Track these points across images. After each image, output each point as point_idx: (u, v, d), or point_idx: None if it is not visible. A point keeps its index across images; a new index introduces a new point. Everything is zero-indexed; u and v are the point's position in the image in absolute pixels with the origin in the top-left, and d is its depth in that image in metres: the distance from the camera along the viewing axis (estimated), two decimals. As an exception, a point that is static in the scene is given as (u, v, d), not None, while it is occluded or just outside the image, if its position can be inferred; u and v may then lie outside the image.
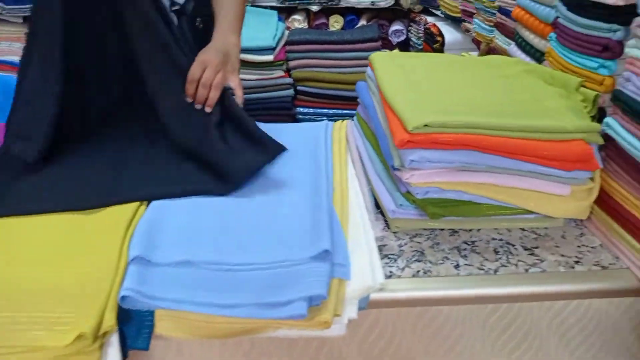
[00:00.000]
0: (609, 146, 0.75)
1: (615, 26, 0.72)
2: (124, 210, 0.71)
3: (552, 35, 0.88)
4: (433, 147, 0.68)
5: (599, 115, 0.76)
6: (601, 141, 0.71)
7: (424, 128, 0.67)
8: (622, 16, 0.70)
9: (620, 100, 0.70)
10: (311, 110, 2.26)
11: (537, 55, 0.95)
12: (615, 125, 0.72)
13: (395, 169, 0.74)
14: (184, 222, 0.70)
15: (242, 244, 0.66)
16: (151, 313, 0.61)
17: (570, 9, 0.81)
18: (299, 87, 2.19)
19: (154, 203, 0.73)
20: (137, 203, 0.73)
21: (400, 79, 0.82)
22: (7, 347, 0.55)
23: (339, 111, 2.20)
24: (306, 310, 0.59)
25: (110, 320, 0.57)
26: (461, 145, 0.68)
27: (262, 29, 2.05)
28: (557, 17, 0.86)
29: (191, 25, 1.06)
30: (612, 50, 0.73)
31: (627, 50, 0.69)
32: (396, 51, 2.62)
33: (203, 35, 1.09)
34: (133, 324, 0.61)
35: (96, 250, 0.65)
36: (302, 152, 0.90)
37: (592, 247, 0.77)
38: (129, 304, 0.60)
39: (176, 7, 1.06)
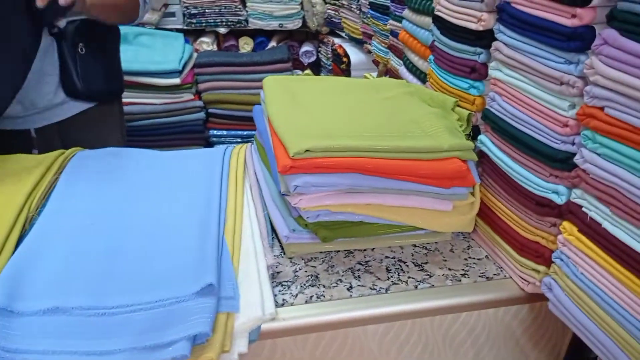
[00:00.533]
0: (485, 162, 0.79)
1: (479, 49, 0.77)
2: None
3: (431, 57, 0.92)
4: (316, 171, 0.68)
5: (475, 133, 0.81)
6: (475, 158, 0.75)
7: (305, 153, 0.67)
8: (484, 40, 0.75)
9: (489, 119, 0.75)
10: (225, 132, 2.24)
11: (422, 77, 1.00)
12: (487, 142, 0.76)
13: (284, 194, 0.74)
14: (56, 266, 0.64)
15: (121, 285, 0.62)
16: (17, 368, 0.56)
17: (442, 33, 0.86)
18: (210, 110, 2.16)
19: (22, 248, 0.67)
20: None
21: (286, 104, 0.83)
22: None
23: (254, 132, 2.19)
24: (189, 351, 0.56)
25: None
26: (343, 168, 0.69)
27: (167, 52, 2.01)
28: (434, 40, 0.91)
29: (72, 49, 1.01)
30: (478, 72, 0.78)
31: (490, 71, 0.74)
32: (298, 74, 2.67)
33: (86, 59, 1.04)
34: (-4, 384, 0.55)
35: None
36: (195, 180, 0.88)
37: (478, 259, 0.80)
38: (-13, 362, 0.54)
39: (55, 30, 1.00)
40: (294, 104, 0.82)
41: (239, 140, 2.21)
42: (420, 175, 0.71)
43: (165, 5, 2.41)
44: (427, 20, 0.97)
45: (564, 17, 0.60)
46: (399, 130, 0.74)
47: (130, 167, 0.92)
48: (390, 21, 1.33)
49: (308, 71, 2.65)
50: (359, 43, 2.05)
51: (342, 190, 0.72)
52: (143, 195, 0.82)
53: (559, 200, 0.64)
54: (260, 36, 2.63)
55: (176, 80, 1.96)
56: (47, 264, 0.65)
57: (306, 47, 2.60)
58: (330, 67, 2.40)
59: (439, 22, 0.88)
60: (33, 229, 0.73)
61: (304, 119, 0.77)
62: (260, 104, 0.99)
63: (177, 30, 2.36)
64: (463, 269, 0.77)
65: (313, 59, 2.61)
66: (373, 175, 0.70)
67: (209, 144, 2.22)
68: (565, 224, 0.63)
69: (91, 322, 0.58)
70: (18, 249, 0.68)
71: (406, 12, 1.12)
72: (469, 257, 0.80)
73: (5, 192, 0.81)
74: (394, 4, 1.33)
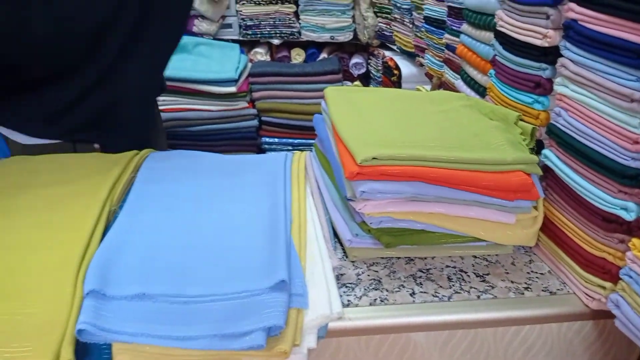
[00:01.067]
0: (549, 176, 0.80)
1: (544, 65, 0.78)
2: (74, 245, 0.70)
3: (492, 71, 0.94)
4: (382, 178, 0.71)
5: (538, 147, 0.82)
6: (540, 172, 0.76)
7: (372, 160, 0.70)
8: (549, 56, 0.76)
9: (554, 134, 0.75)
10: (276, 140, 2.29)
11: (481, 90, 1.01)
12: (552, 157, 0.77)
13: (349, 200, 0.77)
14: (139, 256, 0.70)
15: (199, 277, 0.67)
16: (109, 346, 0.61)
17: (505, 48, 0.88)
18: (263, 118, 2.22)
19: (109, 238, 0.73)
20: (87, 237, 0.72)
21: (350, 113, 0.86)
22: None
23: (305, 141, 2.24)
24: (265, 341, 0.60)
25: (67, 353, 0.57)
26: (408, 176, 0.71)
27: (225, 62, 2.09)
28: (495, 55, 0.92)
29: None
30: (543, 87, 0.79)
31: (555, 87, 0.75)
32: (348, 85, 2.71)
33: None
34: (91, 358, 0.61)
35: (49, 286, 0.64)
36: (260, 183, 0.92)
37: (541, 274, 0.81)
38: (86, 337, 0.59)
39: None
40: (357, 113, 0.86)
41: (290, 148, 2.27)
42: (484, 187, 0.72)
43: (223, 17, 2.51)
44: (488, 35, 0.99)
45: (635, 35, 0.61)
46: (461, 143, 0.76)
47: (200, 168, 0.97)
48: (447, 35, 1.36)
49: (357, 83, 2.69)
50: (410, 56, 2.07)
51: (405, 198, 0.75)
52: (214, 195, 0.87)
53: (628, 216, 0.64)
54: (312, 47, 2.69)
55: (232, 89, 2.03)
56: (131, 254, 0.71)
57: (356, 59, 2.65)
58: (380, 79, 2.43)
59: (501, 38, 0.90)
60: (116, 222, 0.79)
61: (368, 128, 0.80)
62: (319, 113, 1.03)
63: (233, 40, 2.44)
64: (526, 282, 0.78)
65: (363, 70, 2.65)
66: (436, 185, 0.72)
67: (260, 150, 2.28)
68: (635, 241, 0.63)
69: (174, 309, 0.63)
70: (105, 239, 0.73)
71: (465, 27, 1.14)
72: (532, 271, 0.81)
73: (90, 186, 0.88)
74: (450, 18, 1.36)
